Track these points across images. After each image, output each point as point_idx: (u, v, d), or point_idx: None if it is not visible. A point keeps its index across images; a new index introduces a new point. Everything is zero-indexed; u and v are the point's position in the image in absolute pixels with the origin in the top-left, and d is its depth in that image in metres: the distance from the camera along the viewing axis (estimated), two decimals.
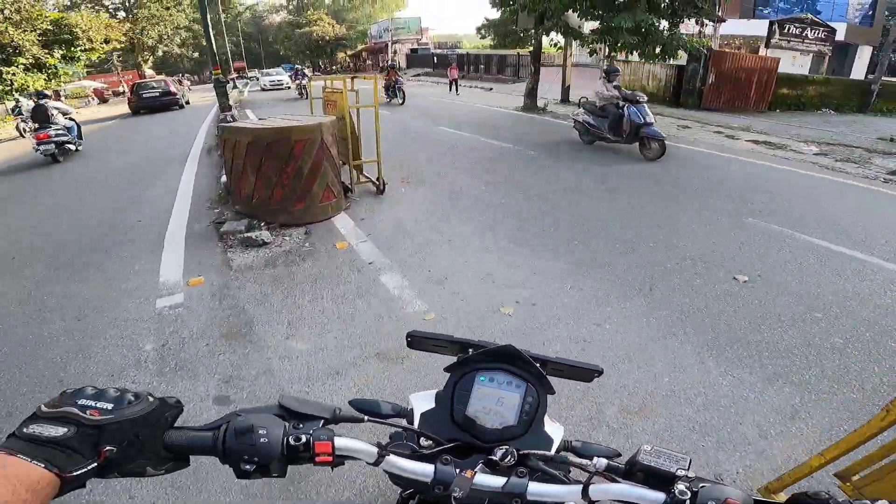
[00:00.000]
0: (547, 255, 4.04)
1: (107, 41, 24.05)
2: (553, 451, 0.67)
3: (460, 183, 6.17)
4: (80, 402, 0.51)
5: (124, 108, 20.01)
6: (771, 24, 15.92)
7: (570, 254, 4.04)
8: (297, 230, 4.59)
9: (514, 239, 4.38)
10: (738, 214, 4.95)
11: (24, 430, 0.48)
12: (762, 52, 17.47)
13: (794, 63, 16.94)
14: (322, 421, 0.59)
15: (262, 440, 0.53)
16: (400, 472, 0.61)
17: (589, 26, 11.68)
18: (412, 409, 0.74)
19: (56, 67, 20.89)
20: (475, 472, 0.59)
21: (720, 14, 11.85)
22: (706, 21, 11.11)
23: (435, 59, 36.47)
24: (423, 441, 0.66)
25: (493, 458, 0.61)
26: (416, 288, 3.51)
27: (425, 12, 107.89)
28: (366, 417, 0.66)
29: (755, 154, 8.23)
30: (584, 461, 0.63)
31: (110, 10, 43.68)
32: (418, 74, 34.72)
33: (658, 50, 10.70)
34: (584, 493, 0.58)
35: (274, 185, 4.40)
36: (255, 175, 4.42)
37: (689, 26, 12.43)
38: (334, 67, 52.80)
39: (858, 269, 3.74)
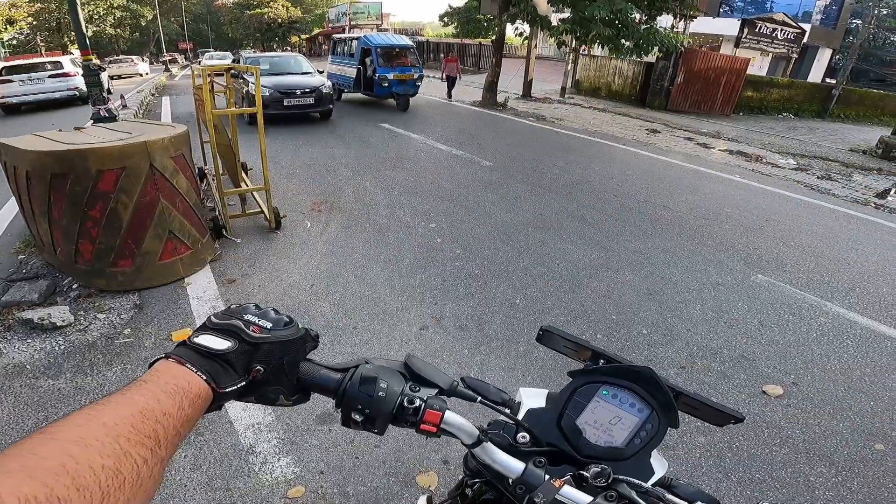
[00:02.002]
0: (485, 353, 2.67)
1: (11, 22, 21.27)
2: (649, 484, 0.59)
3: (391, 211, 4.70)
4: (245, 318, 0.50)
5: None
6: (743, 22, 15.14)
7: (532, 353, 2.70)
8: (126, 299, 3.01)
9: (446, 319, 2.99)
10: (743, 268, 3.81)
11: (194, 339, 0.47)
12: (723, 50, 16.79)
13: (752, 65, 16.38)
14: (437, 390, 0.56)
15: (380, 393, 0.51)
16: (489, 462, 0.56)
17: (559, 15, 10.40)
18: (519, 403, 0.66)
19: None
20: (563, 483, 0.54)
21: (697, 7, 10.83)
22: (684, 15, 10.05)
23: None
24: (518, 437, 0.60)
25: (585, 473, 0.55)
26: (284, 429, 2.07)
27: None
28: (479, 398, 0.59)
29: (733, 169, 7.51)
30: (682, 502, 0.57)
31: None
32: None
33: (631, 45, 9.57)
34: None
35: (77, 237, 2.79)
36: (46, 220, 2.80)
37: (660, 21, 11.40)
38: (286, 50, 49.97)
39: None
